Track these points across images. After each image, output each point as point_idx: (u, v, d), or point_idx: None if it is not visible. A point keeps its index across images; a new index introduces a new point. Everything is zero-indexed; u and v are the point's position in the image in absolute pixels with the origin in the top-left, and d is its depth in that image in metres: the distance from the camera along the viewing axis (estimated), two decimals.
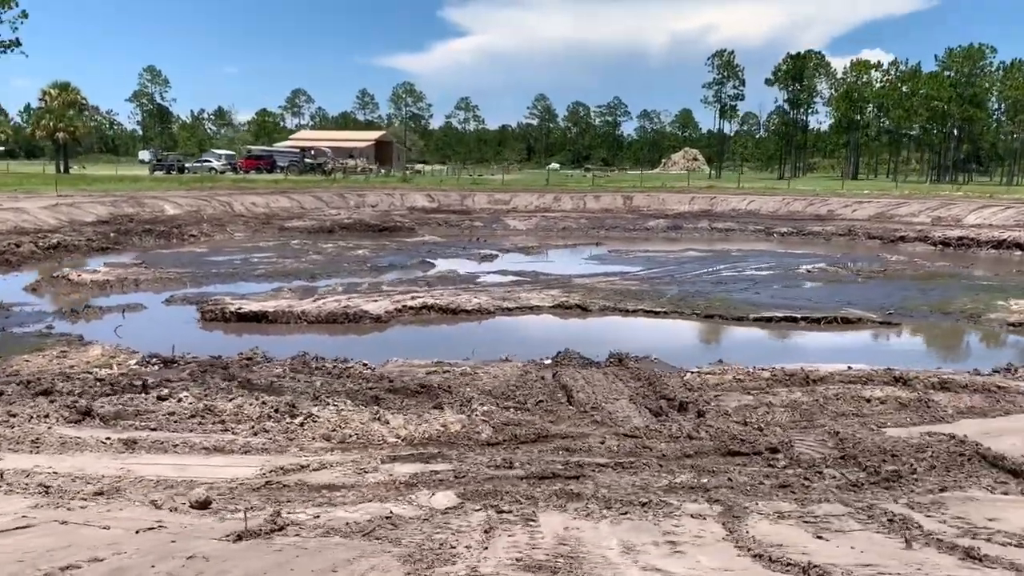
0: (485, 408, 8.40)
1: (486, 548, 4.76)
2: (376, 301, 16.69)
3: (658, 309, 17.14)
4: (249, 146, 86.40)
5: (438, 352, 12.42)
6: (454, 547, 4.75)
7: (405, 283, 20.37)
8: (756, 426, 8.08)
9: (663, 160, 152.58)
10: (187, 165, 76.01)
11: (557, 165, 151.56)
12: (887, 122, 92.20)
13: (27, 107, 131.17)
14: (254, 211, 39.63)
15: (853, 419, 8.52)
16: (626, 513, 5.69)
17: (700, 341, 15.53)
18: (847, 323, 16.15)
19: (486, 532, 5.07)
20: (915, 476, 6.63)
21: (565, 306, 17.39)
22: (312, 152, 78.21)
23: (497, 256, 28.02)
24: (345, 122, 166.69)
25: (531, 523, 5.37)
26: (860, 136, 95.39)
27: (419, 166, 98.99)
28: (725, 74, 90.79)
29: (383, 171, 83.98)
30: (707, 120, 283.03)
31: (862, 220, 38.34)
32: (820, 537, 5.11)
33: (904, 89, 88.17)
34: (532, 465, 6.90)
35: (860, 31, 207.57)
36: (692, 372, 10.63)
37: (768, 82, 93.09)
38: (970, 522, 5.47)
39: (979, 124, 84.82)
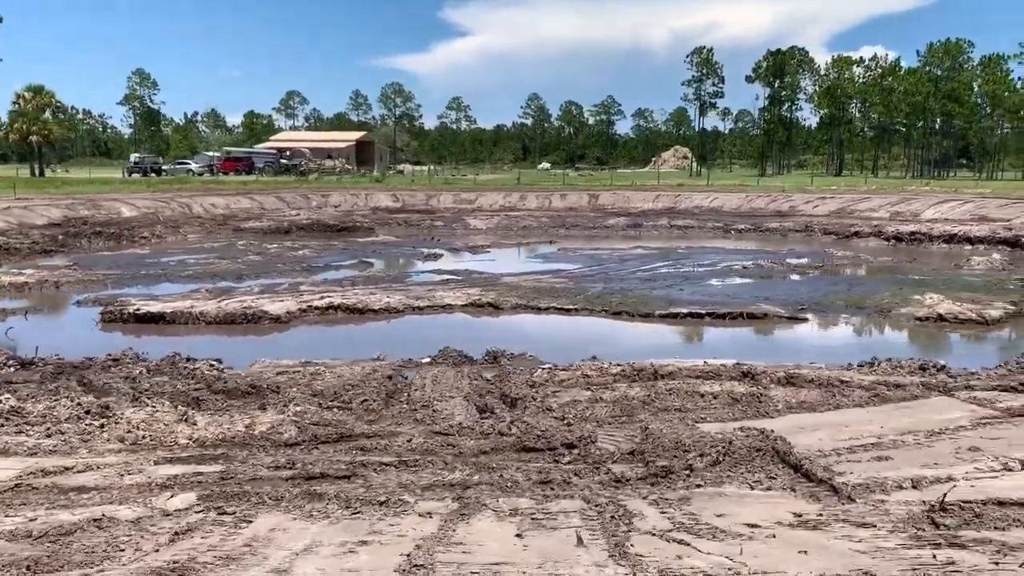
0: (300, 409, 8.29)
1: (156, 551, 4.65)
2: (282, 302, 16.58)
3: (569, 307, 17.03)
4: (228, 148, 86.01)
5: (328, 351, 12.32)
6: (122, 550, 4.64)
7: (329, 283, 20.26)
8: (568, 422, 7.98)
9: (653, 159, 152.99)
10: (164, 168, 75.91)
11: (548, 165, 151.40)
12: (872, 118, 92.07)
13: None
14: (213, 212, 39.53)
15: (676, 414, 8.42)
16: (358, 513, 5.59)
17: (592, 338, 15.27)
18: (753, 318, 16.04)
19: (177, 534, 4.96)
20: (689, 472, 6.53)
21: (477, 304, 17.29)
22: (288, 153, 78.07)
23: (442, 255, 27.91)
24: (339, 123, 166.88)
25: (241, 524, 5.27)
26: (843, 132, 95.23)
27: (401, 166, 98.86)
28: (704, 71, 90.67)
29: (363, 172, 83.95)
30: (706, 119, 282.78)
31: (822, 216, 38.25)
32: (519, 535, 5.00)
33: (884, 84, 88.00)
34: (315, 466, 6.80)
35: (862, 28, 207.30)
36: (544, 368, 10.53)
37: (749, 79, 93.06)
38: (695, 518, 5.36)
39: (960, 119, 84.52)
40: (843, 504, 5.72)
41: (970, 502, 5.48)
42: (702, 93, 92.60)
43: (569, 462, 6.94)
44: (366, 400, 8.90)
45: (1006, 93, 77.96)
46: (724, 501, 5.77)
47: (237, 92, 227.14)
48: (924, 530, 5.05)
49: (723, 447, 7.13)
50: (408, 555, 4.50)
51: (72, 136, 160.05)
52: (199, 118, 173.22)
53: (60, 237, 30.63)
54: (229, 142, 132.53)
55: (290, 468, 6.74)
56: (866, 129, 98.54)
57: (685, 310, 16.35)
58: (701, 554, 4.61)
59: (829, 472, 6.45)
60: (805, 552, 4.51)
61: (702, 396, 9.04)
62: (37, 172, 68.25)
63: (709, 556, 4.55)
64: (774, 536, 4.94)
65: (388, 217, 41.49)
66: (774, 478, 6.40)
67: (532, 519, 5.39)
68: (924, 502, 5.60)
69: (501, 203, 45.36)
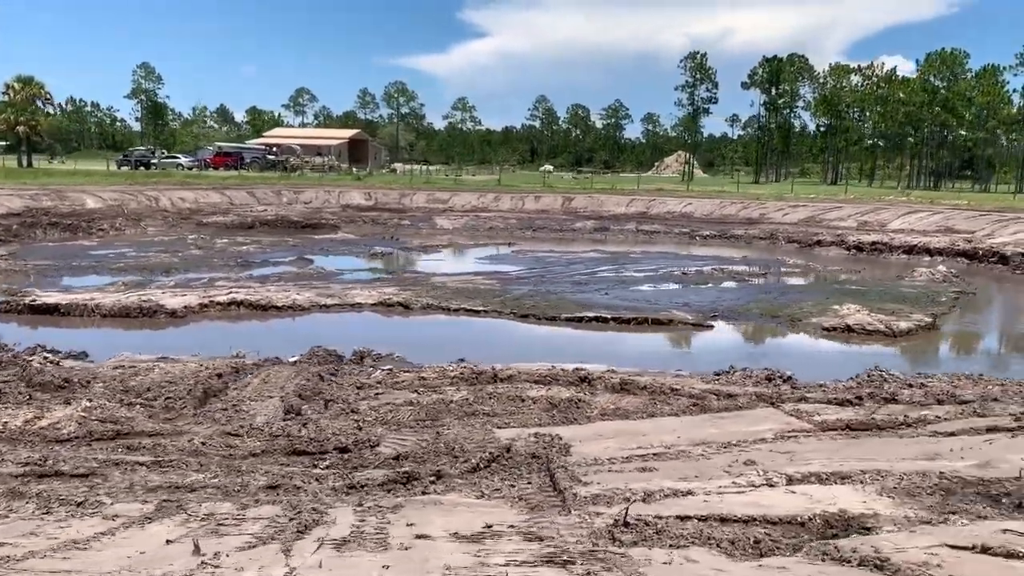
0: (92, 404, 8.11)
1: None
2: (183, 296, 16.42)
3: (479, 308, 16.83)
4: (220, 143, 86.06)
5: (208, 348, 12.11)
6: None
7: (254, 279, 20.11)
8: (360, 425, 7.77)
9: (656, 163, 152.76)
10: (154, 161, 75.95)
11: (550, 167, 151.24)
12: (868, 127, 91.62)
13: None
14: (180, 207, 39.46)
15: (483, 419, 8.20)
16: (47, 513, 5.41)
17: (480, 340, 14.97)
18: (658, 324, 15.81)
19: None
20: (435, 478, 6.32)
21: (387, 304, 17.10)
22: (275, 149, 78.02)
23: (391, 254, 27.75)
24: (347, 121, 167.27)
25: None
26: (839, 141, 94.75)
27: (395, 165, 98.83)
28: (698, 76, 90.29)
29: (354, 169, 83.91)
30: (713, 124, 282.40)
31: (789, 224, 37.91)
32: (170, 541, 4.80)
33: (880, 93, 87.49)
34: (64, 463, 6.62)
35: (882, 36, 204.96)
36: (384, 370, 10.32)
37: (744, 85, 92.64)
38: (382, 527, 5.15)
39: (957, 130, 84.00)
40: (556, 515, 5.50)
41: (662, 517, 5.26)
42: (696, 98, 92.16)
43: (327, 466, 6.75)
44: (173, 398, 8.71)
45: (1001, 104, 77.37)
46: (432, 510, 5.55)
47: (254, 89, 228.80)
48: (598, 545, 4.83)
49: (496, 453, 6.93)
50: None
51: (79, 128, 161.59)
52: (208, 113, 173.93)
53: (14, 227, 30.57)
54: (232, 137, 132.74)
55: (37, 465, 6.56)
56: (864, 138, 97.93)
57: (591, 314, 16.12)
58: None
59: (575, 481, 6.24)
60: (387, 567, 4.30)
61: (523, 400, 8.83)
62: (26, 163, 68.42)
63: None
64: (432, 547, 4.72)
65: (357, 215, 41.34)
66: (522, 486, 6.19)
67: (215, 525, 5.19)
68: (635, 515, 5.38)
69: (474, 203, 45.16)
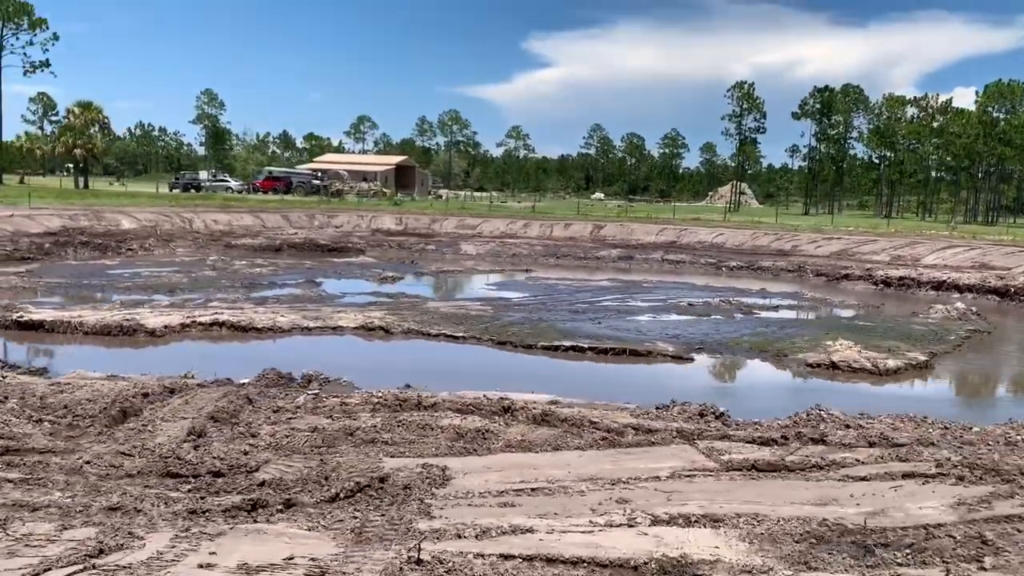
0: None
1: None
2: (167, 316, 16.67)
3: (459, 334, 16.73)
4: (270, 168, 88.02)
5: (175, 367, 12.19)
6: None
7: (252, 300, 20.36)
8: (246, 451, 7.70)
9: (710, 193, 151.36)
10: (205, 184, 78.00)
11: (601, 195, 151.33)
12: (921, 159, 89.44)
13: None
14: (212, 228, 40.32)
15: (379, 447, 8.07)
16: None
17: (443, 366, 14.76)
18: (636, 355, 15.49)
19: None
20: (284, 506, 6.20)
21: (369, 328, 17.11)
22: (320, 174, 79.45)
23: (402, 278, 27.85)
24: (404, 148, 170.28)
25: None
26: (892, 173, 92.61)
27: (443, 191, 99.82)
28: (745, 106, 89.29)
29: (400, 195, 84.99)
30: (775, 155, 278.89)
31: (821, 257, 37.01)
32: None
33: (935, 126, 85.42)
34: None
35: (954, 68, 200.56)
36: (310, 394, 10.25)
37: (795, 116, 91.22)
38: (185, 553, 5.04)
39: (1016, 163, 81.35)
40: (375, 550, 5.32)
41: (483, 556, 5.06)
42: (743, 128, 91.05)
43: (189, 489, 6.69)
44: (83, 416, 8.77)
45: None
46: (248, 539, 5.42)
47: (320, 115, 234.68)
48: None
49: (365, 483, 6.78)
50: None
51: (147, 151, 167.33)
52: (271, 138, 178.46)
53: (47, 245, 31.60)
54: (294, 162, 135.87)
55: None
56: (919, 172, 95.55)
57: (568, 343, 15.88)
58: None
59: (423, 515, 6.07)
60: None
61: (432, 429, 8.66)
62: (83, 184, 70.85)
63: None
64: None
65: (385, 239, 41.71)
66: (370, 518, 6.03)
67: (21, 545, 5.15)
68: (437, 552, 5.17)
69: (503, 230, 45.19)
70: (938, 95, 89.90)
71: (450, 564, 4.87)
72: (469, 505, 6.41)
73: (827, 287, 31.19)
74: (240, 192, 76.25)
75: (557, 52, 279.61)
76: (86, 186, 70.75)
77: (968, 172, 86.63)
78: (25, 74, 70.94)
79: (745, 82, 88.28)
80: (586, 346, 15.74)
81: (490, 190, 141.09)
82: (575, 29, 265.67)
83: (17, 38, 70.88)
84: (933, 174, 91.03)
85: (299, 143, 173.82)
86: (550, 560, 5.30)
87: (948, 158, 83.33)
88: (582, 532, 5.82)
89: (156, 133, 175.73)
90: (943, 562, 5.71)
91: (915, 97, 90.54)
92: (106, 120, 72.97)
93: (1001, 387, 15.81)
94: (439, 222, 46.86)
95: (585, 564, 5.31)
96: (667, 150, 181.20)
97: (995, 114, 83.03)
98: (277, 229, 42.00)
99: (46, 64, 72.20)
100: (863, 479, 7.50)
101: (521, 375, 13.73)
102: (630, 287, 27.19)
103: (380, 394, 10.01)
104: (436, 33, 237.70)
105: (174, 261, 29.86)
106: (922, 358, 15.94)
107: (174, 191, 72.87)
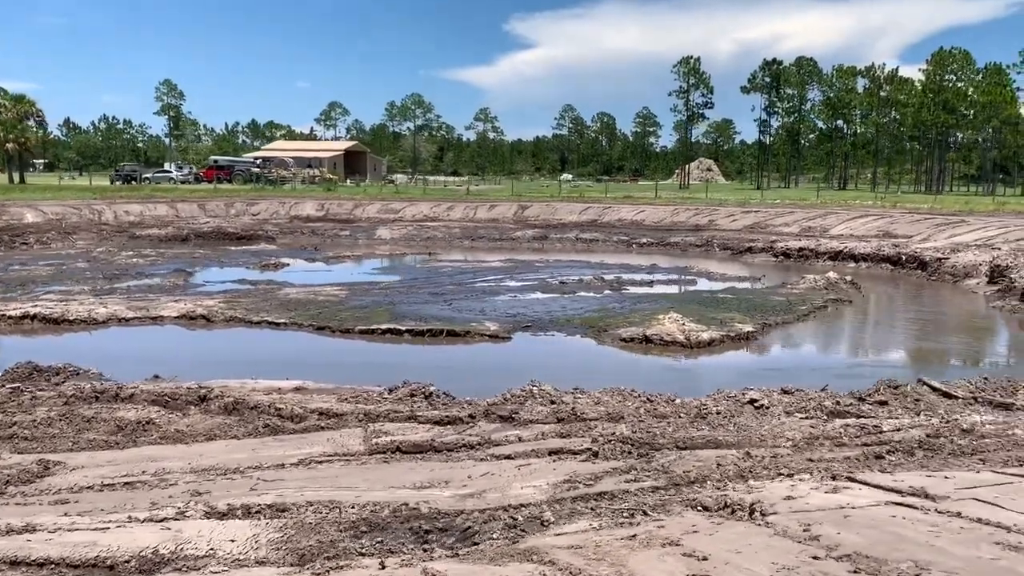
0: None
1: None
2: None
3: (281, 320, 16.29)
4: (214, 157, 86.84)
5: None
6: None
7: (99, 292, 19.79)
8: None
9: (676, 171, 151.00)
10: (147, 176, 76.89)
11: (570, 176, 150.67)
12: (866, 130, 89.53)
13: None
14: (122, 220, 39.56)
15: (16, 442, 7.64)
16: None
17: (233, 353, 14.38)
18: (453, 335, 15.14)
19: None
20: None
21: (191, 316, 16.64)
22: (259, 161, 78.65)
23: (288, 265, 27.35)
24: (375, 134, 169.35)
25: None
26: (844, 145, 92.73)
27: (397, 176, 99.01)
28: (692, 81, 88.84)
29: (349, 181, 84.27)
30: (750, 131, 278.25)
31: (732, 230, 36.81)
32: None
33: (883, 96, 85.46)
34: None
35: (935, 39, 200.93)
36: (10, 388, 9.80)
37: (744, 90, 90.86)
38: None
39: (960, 131, 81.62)
40: None
41: None
42: (690, 103, 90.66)
43: None
44: None
45: (1004, 104, 74.94)
46: None
47: (305, 103, 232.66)
48: None
49: None
50: None
51: (111, 144, 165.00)
52: (240, 128, 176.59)
53: None
54: (195, 151, 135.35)
55: None
56: (870, 143, 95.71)
57: (386, 326, 15.48)
58: None
59: None
60: None
61: (97, 422, 8.24)
62: (18, 179, 69.55)
63: None
64: None
65: (302, 226, 41.14)
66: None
67: None
68: None
69: (426, 213, 44.67)
70: (884, 65, 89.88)
71: None
72: (25, 505, 6.01)
73: (729, 260, 31.06)
74: (184, 182, 75.28)
75: (540, 33, 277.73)
76: (21, 180, 69.51)
77: (917, 142, 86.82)
78: None
79: (691, 57, 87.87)
80: (403, 329, 15.35)
81: (465, 174, 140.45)
82: (557, 9, 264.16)
83: None
84: (883, 145, 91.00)
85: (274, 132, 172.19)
86: (14, 563, 4.91)
87: (899, 128, 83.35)
88: (94, 529, 5.42)
89: (121, 126, 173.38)
90: (487, 543, 5.37)
91: (864, 68, 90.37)
92: (39, 113, 71.59)
93: (807, 357, 15.26)
94: (362, 207, 46.26)
95: (53, 564, 4.92)
96: (639, 129, 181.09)
97: (941, 83, 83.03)
98: (190, 219, 41.28)
99: None
100: (506, 458, 7.17)
101: (309, 361, 13.37)
102: (519, 267, 26.82)
103: (91, 387, 9.57)
104: (417, 17, 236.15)
105: (60, 254, 29.14)
106: (749, 329, 15.69)
107: (115, 183, 71.77)
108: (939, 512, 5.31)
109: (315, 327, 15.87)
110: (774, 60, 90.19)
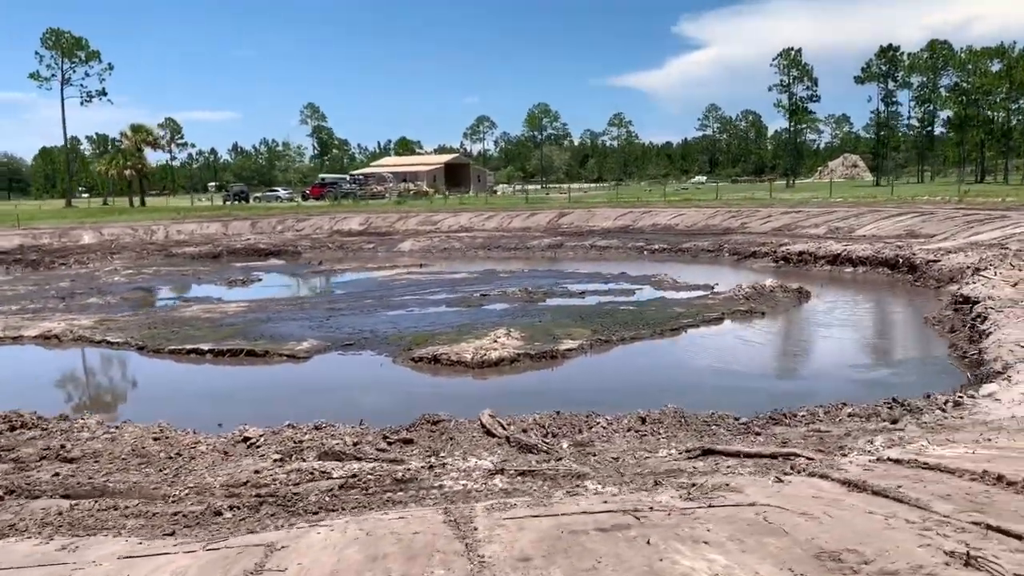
0: None
1: None
2: None
3: (116, 340, 16.62)
4: (323, 175, 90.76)
5: None
6: None
7: (27, 311, 20.94)
8: None
9: (819, 168, 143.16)
10: (257, 195, 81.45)
11: (703, 178, 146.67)
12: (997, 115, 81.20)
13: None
14: (170, 239, 41.98)
15: None
16: None
17: (25, 376, 14.80)
18: (253, 355, 14.88)
19: None
20: None
21: (46, 336, 17.29)
22: (360, 177, 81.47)
23: (260, 281, 27.98)
24: (519, 144, 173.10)
25: None
26: (978, 134, 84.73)
27: (500, 186, 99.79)
28: (794, 74, 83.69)
29: (448, 193, 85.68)
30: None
31: (760, 233, 34.27)
32: None
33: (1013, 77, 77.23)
34: None
35: None
36: None
37: (857, 80, 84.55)
38: None
39: None
40: None
41: None
42: (794, 97, 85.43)
43: None
44: None
45: None
46: None
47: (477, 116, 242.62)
48: None
49: None
50: None
51: (269, 166, 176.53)
52: (391, 146, 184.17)
53: None
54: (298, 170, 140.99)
55: None
56: (1012, 131, 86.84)
57: (191, 347, 15.45)
58: None
59: None
60: None
61: None
62: (139, 202, 75.46)
63: None
64: None
65: (337, 240, 42.14)
66: None
67: None
68: None
69: (463, 224, 44.57)
70: (1015, 43, 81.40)
71: None
72: None
73: (729, 267, 29.06)
74: (290, 200, 79.17)
75: (710, 32, 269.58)
76: (142, 203, 75.35)
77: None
78: (82, 103, 75.99)
79: (792, 49, 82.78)
80: (205, 349, 15.26)
81: (610, 180, 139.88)
82: (725, 7, 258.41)
83: (75, 72, 76.18)
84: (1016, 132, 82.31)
85: (428, 147, 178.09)
86: None
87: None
88: None
89: (280, 148, 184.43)
90: None
91: (996, 48, 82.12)
92: (156, 140, 77.32)
93: (595, 381, 13.25)
94: (403, 220, 46.77)
95: None
96: (792, 125, 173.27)
97: None
98: (235, 236, 43.19)
99: (103, 93, 77.27)
100: None
101: (90, 383, 13.53)
102: (480, 279, 26.06)
103: None
104: (582, 27, 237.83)
105: (71, 273, 31.22)
106: (568, 347, 14.48)
107: (226, 203, 76.56)
108: None
109: (138, 347, 16.05)
110: (889, 46, 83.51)
